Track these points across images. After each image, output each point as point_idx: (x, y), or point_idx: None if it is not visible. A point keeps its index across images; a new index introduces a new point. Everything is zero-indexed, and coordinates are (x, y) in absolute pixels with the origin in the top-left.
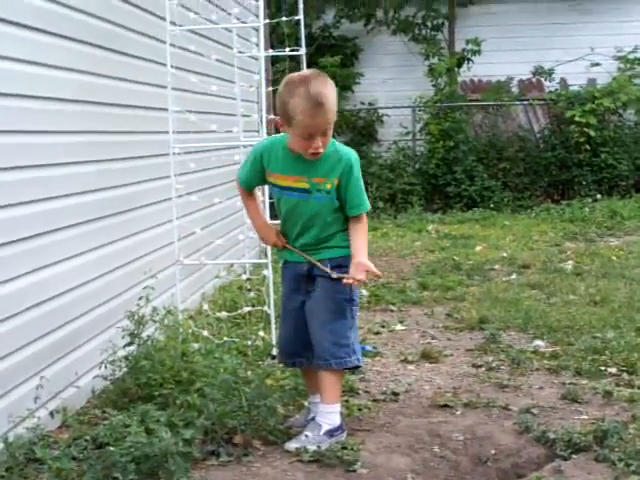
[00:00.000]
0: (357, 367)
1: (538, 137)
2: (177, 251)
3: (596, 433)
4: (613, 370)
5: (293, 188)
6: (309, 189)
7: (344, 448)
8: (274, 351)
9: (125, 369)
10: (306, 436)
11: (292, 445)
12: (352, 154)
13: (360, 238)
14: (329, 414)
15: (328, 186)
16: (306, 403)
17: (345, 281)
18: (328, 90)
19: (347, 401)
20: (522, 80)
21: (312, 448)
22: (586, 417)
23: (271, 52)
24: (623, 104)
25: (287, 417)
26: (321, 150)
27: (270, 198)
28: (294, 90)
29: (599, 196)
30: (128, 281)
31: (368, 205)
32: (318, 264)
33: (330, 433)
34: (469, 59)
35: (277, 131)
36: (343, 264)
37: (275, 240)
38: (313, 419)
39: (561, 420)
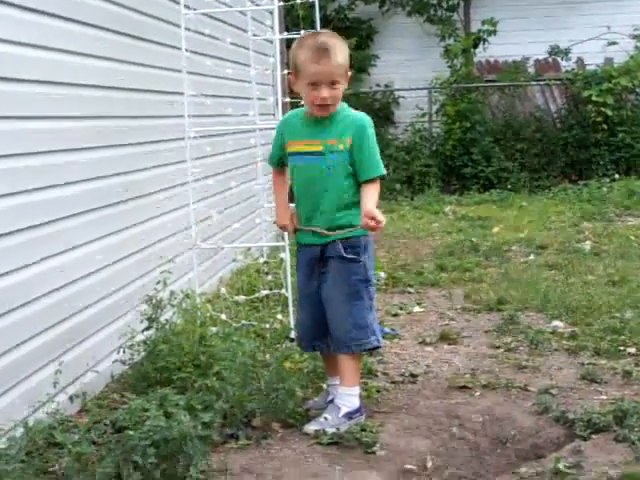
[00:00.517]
0: (377, 347)
1: (555, 117)
2: (194, 235)
3: (615, 413)
4: (632, 350)
5: (306, 152)
6: (322, 151)
7: (363, 430)
8: (292, 334)
9: (143, 353)
10: (325, 418)
11: (311, 427)
12: (365, 117)
13: (371, 193)
14: (348, 396)
15: (341, 147)
16: (324, 385)
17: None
18: (335, 42)
19: (366, 383)
20: (538, 60)
21: (331, 430)
22: (605, 397)
23: (286, 35)
24: None
25: (306, 400)
26: (329, 102)
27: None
28: (303, 42)
29: (617, 176)
30: (145, 266)
31: (383, 170)
32: (327, 232)
33: (349, 415)
34: (485, 40)
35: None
36: (356, 245)
37: (286, 223)
38: (332, 401)
39: (580, 400)
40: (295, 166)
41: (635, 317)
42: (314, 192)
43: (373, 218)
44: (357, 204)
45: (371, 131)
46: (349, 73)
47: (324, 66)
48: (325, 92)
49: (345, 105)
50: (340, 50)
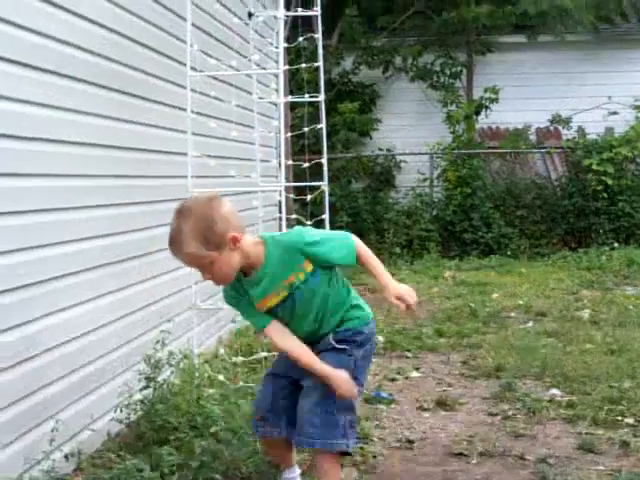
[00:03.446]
0: (346, 454)
1: (555, 185)
2: (194, 295)
3: None
4: (630, 420)
5: (279, 302)
6: (290, 292)
7: None
8: None
9: (140, 412)
10: None
11: None
12: (292, 235)
13: (372, 266)
14: None
15: (301, 276)
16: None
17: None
18: (183, 226)
19: (362, 448)
20: (540, 128)
21: None
22: (602, 468)
23: (290, 98)
24: None
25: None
26: (218, 281)
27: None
28: None
29: (616, 244)
30: (145, 325)
31: (350, 236)
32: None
33: None
34: (487, 107)
35: (296, 177)
36: (348, 336)
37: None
38: None
39: (577, 470)
40: (280, 319)
41: (633, 387)
42: (308, 318)
43: (400, 298)
44: (343, 303)
45: (309, 234)
46: (228, 236)
47: (179, 259)
48: (204, 276)
49: (268, 241)
50: (183, 235)
